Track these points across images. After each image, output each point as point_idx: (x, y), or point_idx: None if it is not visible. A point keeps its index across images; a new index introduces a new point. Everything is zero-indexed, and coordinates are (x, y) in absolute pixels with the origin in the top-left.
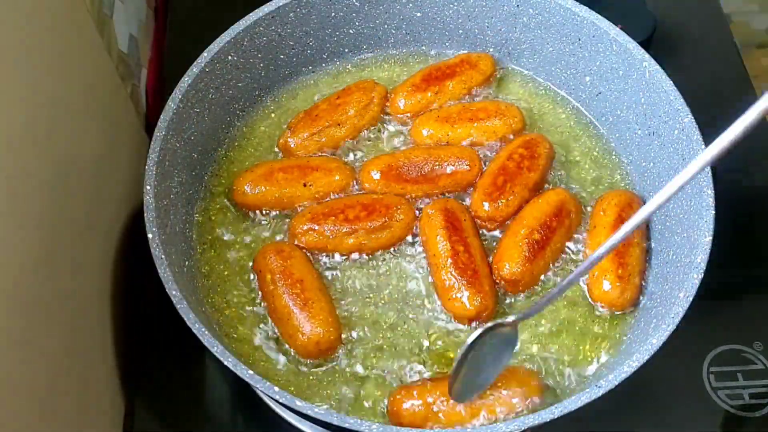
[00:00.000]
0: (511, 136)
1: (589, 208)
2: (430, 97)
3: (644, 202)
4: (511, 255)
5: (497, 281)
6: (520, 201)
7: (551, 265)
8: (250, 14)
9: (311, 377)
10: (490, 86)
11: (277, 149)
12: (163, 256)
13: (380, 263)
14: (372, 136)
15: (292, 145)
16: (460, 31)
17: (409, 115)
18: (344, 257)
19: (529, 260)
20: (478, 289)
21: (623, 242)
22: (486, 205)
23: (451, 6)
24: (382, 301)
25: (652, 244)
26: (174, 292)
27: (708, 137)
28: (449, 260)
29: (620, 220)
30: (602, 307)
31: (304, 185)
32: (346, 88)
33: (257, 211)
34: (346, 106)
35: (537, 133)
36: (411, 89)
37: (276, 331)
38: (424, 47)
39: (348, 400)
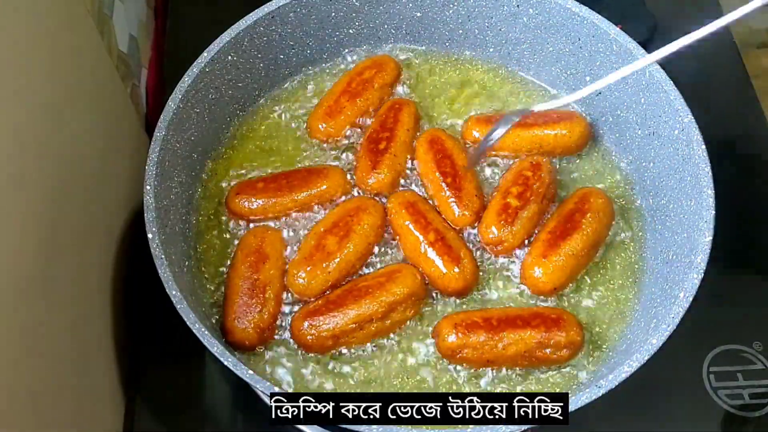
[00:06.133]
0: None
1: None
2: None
3: (642, 205)
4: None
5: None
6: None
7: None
8: (250, 14)
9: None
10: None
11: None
12: (163, 256)
13: None
14: None
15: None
16: (460, 31)
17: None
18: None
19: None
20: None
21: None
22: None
23: (451, 6)
24: None
25: (653, 244)
26: (174, 292)
27: (708, 137)
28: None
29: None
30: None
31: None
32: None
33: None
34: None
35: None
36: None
37: None
38: (423, 47)
39: None
